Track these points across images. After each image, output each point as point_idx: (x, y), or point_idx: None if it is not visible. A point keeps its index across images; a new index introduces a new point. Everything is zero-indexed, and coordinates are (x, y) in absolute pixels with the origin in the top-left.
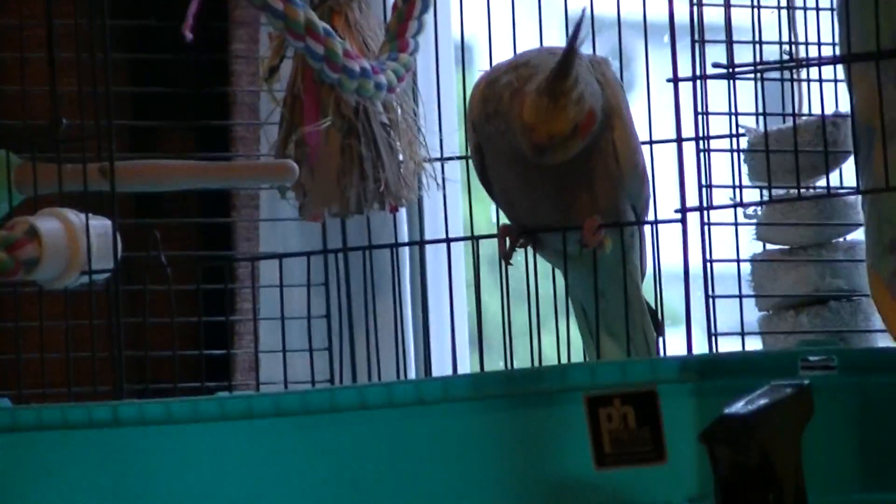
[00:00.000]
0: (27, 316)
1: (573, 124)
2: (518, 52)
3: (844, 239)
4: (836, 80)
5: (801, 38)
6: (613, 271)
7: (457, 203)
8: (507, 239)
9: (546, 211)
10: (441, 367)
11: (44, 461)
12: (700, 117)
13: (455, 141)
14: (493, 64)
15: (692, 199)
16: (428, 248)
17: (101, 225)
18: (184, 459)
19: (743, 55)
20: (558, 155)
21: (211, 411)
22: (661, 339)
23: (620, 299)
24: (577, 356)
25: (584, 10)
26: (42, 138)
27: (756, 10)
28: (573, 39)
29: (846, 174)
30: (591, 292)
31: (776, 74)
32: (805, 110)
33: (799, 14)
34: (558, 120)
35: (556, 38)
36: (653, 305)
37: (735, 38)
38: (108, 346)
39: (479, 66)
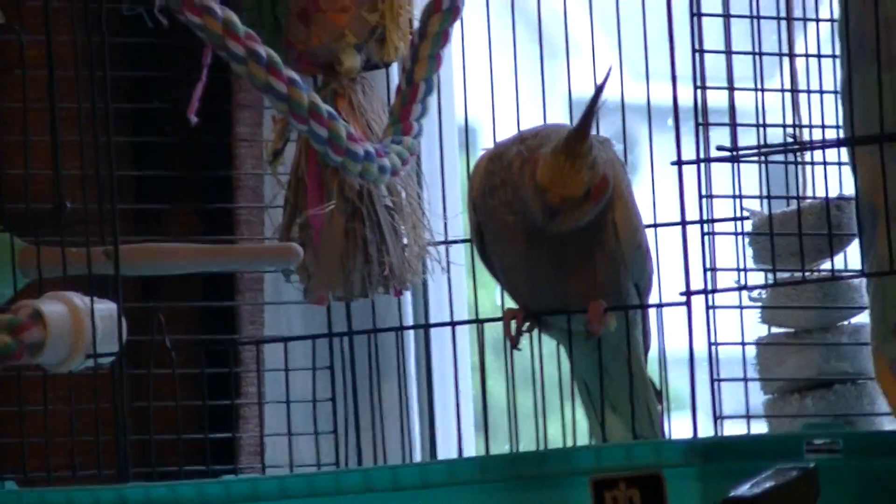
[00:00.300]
0: (31, 399)
1: (587, 187)
2: None
3: (849, 322)
4: (839, 163)
5: (805, 121)
6: (617, 348)
7: (461, 286)
8: (514, 322)
9: (548, 290)
10: (446, 451)
11: None
12: (704, 200)
13: (459, 224)
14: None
15: (697, 283)
16: (433, 331)
17: (105, 308)
18: None
19: (747, 138)
20: (569, 219)
21: (217, 494)
22: (664, 417)
23: (624, 376)
24: (583, 440)
25: (608, 70)
26: (46, 221)
27: (759, 93)
28: (594, 100)
29: (851, 257)
30: (594, 369)
31: (780, 157)
32: (809, 193)
33: (802, 97)
34: (573, 181)
35: (560, 121)
36: (657, 385)
37: (739, 121)
38: (112, 429)
39: (483, 149)
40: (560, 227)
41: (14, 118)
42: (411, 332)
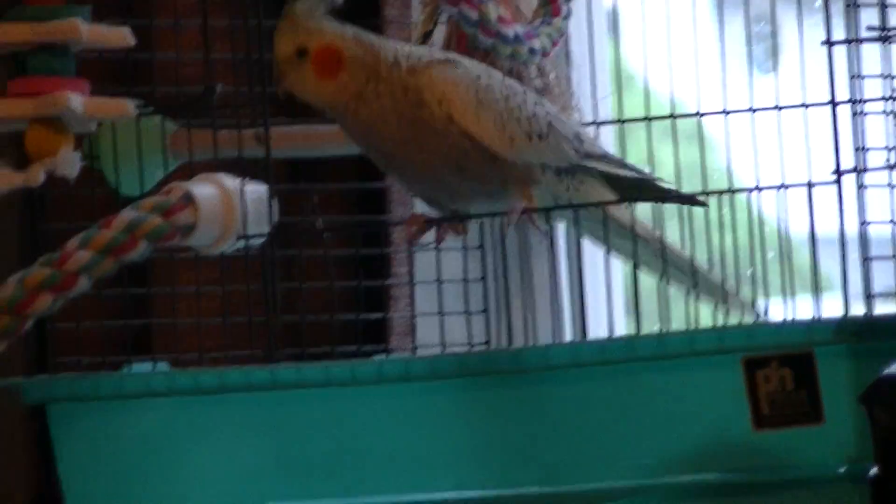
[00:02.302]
0: (183, 281)
1: (295, 47)
2: (671, 17)
3: None
4: None
5: None
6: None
7: None
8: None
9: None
10: (596, 331)
11: (202, 425)
12: (854, 80)
13: (609, 105)
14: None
15: (847, 162)
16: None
17: (256, 190)
18: (341, 422)
19: None
20: (296, 86)
21: (369, 374)
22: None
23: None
24: (732, 320)
25: None
26: (197, 104)
27: None
28: None
29: None
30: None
31: None
32: None
33: None
34: (279, 40)
35: (707, 7)
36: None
37: (888, 1)
38: (264, 310)
39: (631, 31)
40: (293, 93)
41: (164, 3)
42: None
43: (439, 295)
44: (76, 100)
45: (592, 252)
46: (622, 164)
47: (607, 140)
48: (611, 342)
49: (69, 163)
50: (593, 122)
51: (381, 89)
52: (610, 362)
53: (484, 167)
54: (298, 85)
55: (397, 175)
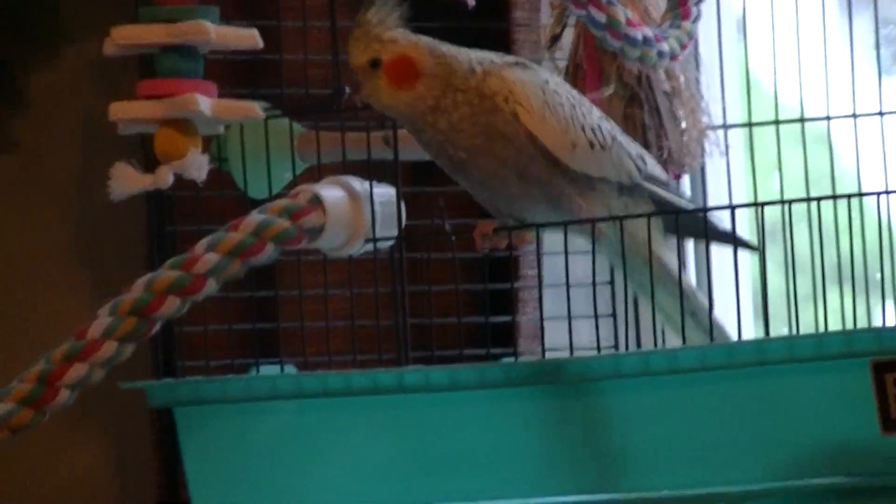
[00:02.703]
0: (311, 284)
1: (368, 57)
2: (799, 21)
3: None
4: None
5: None
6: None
7: (740, 170)
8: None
9: (516, 205)
10: None
11: (328, 428)
12: None
13: (738, 108)
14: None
15: None
16: (711, 215)
17: (384, 193)
18: (468, 426)
19: None
20: (371, 96)
21: (496, 378)
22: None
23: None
24: (861, 323)
25: None
26: (324, 107)
27: None
28: None
29: None
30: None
31: None
32: None
33: None
34: (352, 50)
35: (835, 12)
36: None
37: None
38: (392, 313)
39: (760, 35)
40: (368, 101)
41: (292, 4)
42: None
43: (568, 298)
44: (204, 102)
45: (721, 255)
46: (682, 195)
47: (735, 144)
48: (739, 345)
49: (197, 165)
50: (722, 126)
51: (458, 99)
52: (738, 366)
53: (545, 174)
54: (374, 95)
55: (463, 183)
